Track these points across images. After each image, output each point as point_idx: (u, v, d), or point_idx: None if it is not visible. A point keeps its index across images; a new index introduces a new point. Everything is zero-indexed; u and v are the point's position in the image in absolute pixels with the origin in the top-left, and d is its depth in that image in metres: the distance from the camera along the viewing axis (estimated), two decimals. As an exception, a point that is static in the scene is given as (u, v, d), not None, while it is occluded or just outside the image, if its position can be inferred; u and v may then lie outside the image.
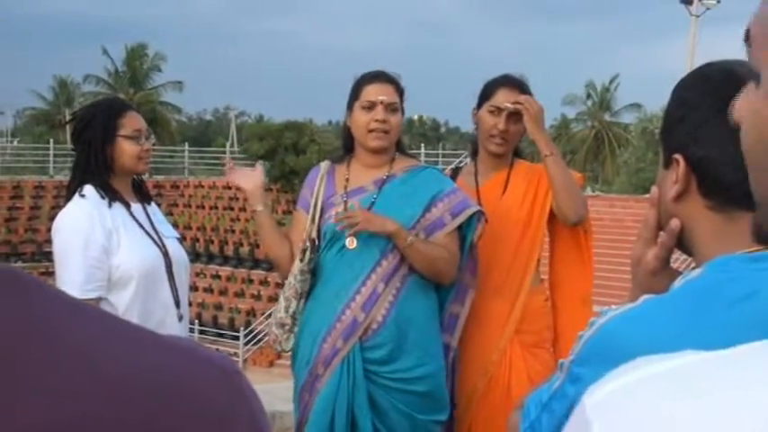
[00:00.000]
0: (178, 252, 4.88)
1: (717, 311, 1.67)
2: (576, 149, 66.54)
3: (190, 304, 5.28)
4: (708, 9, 42.97)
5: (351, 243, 4.69)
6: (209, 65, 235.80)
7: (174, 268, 4.75)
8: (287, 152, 41.80)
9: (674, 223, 1.95)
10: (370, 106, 4.75)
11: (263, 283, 36.89)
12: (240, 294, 37.26)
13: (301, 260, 4.73)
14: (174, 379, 0.81)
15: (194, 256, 40.81)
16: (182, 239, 5.11)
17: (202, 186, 45.47)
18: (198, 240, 41.30)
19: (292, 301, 4.74)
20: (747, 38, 1.22)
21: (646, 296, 1.90)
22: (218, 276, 38.97)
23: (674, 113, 2.03)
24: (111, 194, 4.61)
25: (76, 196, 4.58)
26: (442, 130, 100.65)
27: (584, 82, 76.77)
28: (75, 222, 4.54)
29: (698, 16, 42.69)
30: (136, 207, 4.74)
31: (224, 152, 52.47)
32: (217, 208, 43.24)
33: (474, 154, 5.34)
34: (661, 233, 2.02)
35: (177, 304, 4.75)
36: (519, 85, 5.17)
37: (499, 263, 5.03)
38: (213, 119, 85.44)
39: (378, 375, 4.67)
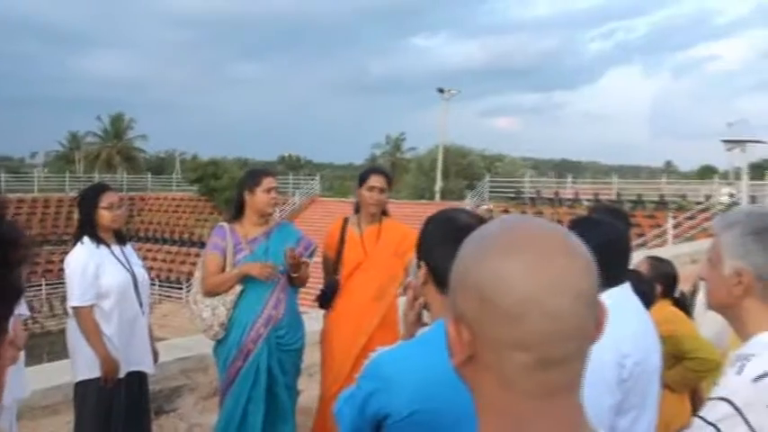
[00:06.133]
0: (142, 274, 4.60)
1: (438, 350, 1.50)
2: (377, 173, 66.53)
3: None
4: (453, 94, 43.86)
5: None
6: (163, 124, 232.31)
7: (138, 285, 4.54)
8: (210, 178, 41.82)
9: (421, 300, 2.05)
10: (269, 190, 4.63)
11: (197, 255, 33.85)
12: (184, 263, 36.98)
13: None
14: None
15: (154, 241, 40.31)
16: (144, 266, 4.76)
17: (158, 198, 45.02)
18: (155, 229, 41.25)
19: (231, 311, 4.54)
20: None
21: (401, 341, 2.03)
22: (168, 252, 39.21)
23: (421, 237, 2.07)
24: (98, 242, 4.44)
25: (78, 243, 4.45)
26: (302, 162, 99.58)
27: (384, 134, 76.84)
28: (76, 260, 4.39)
29: (447, 99, 43.64)
30: (115, 248, 4.52)
31: (172, 178, 51.43)
32: (167, 211, 42.85)
33: (356, 211, 4.94)
34: (416, 302, 2.07)
35: (141, 305, 4.54)
36: (383, 172, 5.01)
37: (377, 280, 4.76)
38: (165, 156, 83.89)
39: (281, 344, 4.60)
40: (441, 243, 1.88)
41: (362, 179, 4.87)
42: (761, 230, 1.92)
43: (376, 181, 4.81)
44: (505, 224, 1.01)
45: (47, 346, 22.86)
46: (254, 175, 4.74)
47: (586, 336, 0.96)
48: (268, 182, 4.64)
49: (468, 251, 1.00)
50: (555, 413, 0.95)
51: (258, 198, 4.62)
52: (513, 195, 35.51)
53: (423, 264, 2.01)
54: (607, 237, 2.61)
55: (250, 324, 4.53)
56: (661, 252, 13.23)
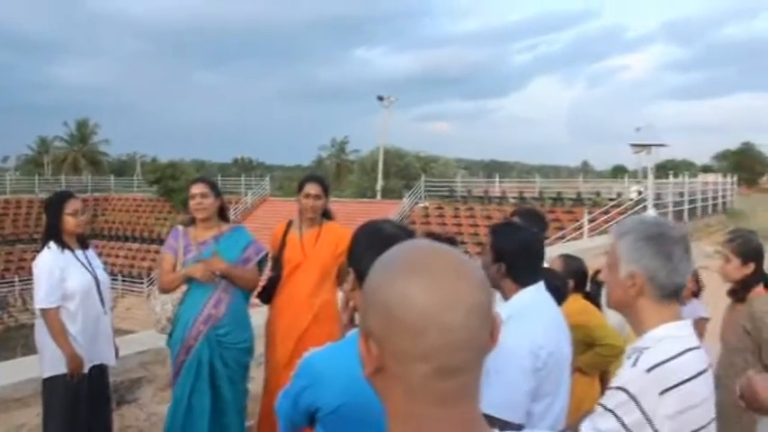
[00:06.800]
0: (103, 276, 4.55)
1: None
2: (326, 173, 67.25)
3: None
4: (392, 102, 43.80)
5: None
6: (126, 128, 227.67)
7: (101, 286, 4.48)
8: (169, 179, 41.24)
9: (352, 303, 2.02)
10: (193, 197, 4.54)
11: (157, 252, 34.12)
12: (144, 259, 36.70)
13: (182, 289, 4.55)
14: None
15: (117, 239, 39.79)
16: (106, 268, 4.70)
17: (120, 199, 44.32)
18: (117, 228, 40.65)
19: (177, 306, 4.51)
20: None
21: (332, 342, 1.99)
22: (130, 249, 38.59)
23: (351, 245, 2.05)
24: (63, 246, 4.38)
25: (45, 247, 4.38)
26: (255, 164, 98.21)
27: (330, 137, 75.13)
28: (43, 263, 4.31)
29: (386, 106, 43.72)
30: (78, 252, 4.46)
31: (133, 180, 50.75)
32: (128, 211, 42.25)
33: (300, 215, 4.84)
34: (348, 305, 2.05)
35: (103, 305, 4.50)
36: (318, 179, 4.92)
37: (313, 279, 4.73)
38: (127, 159, 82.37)
39: (224, 343, 4.51)
40: (368, 251, 1.87)
41: (300, 187, 4.85)
42: (652, 237, 1.97)
43: (311, 188, 4.78)
44: (408, 249, 1.03)
45: (21, 339, 22.40)
46: (191, 183, 4.71)
47: (480, 346, 0.99)
48: (192, 189, 4.58)
49: (375, 273, 1.03)
50: (453, 419, 0.98)
51: (189, 205, 4.59)
52: (446, 194, 35.63)
53: (352, 270, 2.02)
54: (524, 241, 2.68)
55: (191, 321, 4.48)
56: (578, 245, 13.58)
